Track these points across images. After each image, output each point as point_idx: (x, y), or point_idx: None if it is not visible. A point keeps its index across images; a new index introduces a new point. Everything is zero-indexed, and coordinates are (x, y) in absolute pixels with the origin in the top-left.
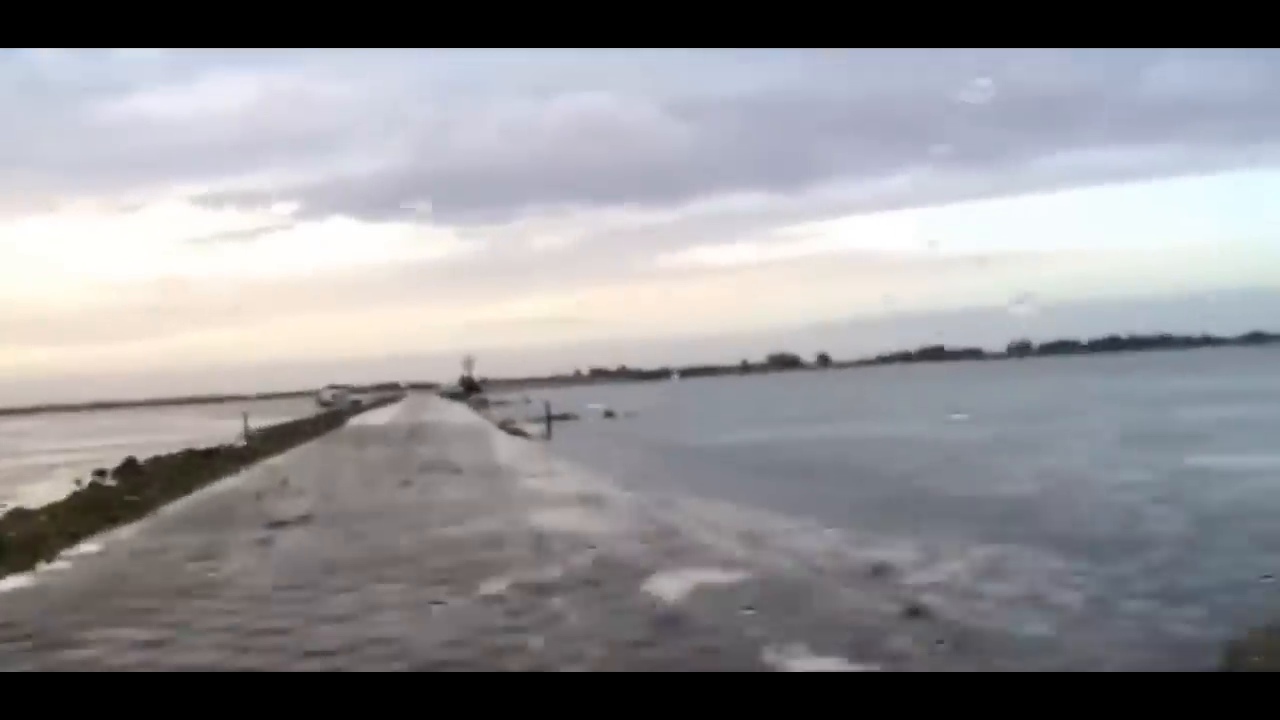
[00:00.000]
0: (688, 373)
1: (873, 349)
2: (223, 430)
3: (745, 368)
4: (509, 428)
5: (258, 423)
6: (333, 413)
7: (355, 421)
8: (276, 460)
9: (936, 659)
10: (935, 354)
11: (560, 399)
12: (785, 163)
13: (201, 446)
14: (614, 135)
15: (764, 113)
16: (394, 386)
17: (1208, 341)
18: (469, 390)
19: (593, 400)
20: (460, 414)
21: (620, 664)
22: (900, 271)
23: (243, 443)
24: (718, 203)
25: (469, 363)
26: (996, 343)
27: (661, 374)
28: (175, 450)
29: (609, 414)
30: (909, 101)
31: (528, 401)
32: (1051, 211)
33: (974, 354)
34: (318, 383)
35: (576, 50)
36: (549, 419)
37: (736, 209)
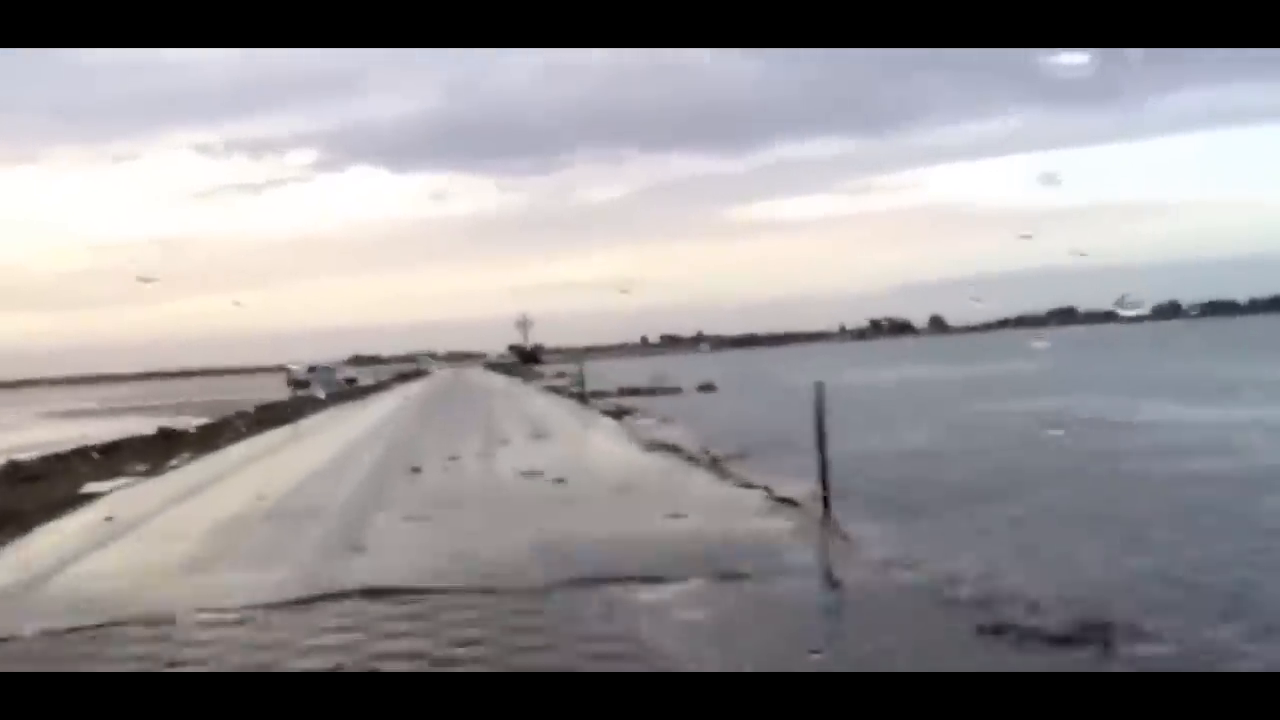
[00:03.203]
0: (778, 339)
1: (986, 311)
2: None
3: (858, 334)
4: None
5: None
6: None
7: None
8: None
9: None
10: (1067, 316)
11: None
12: (869, 103)
13: None
14: (671, 72)
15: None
16: (428, 356)
17: None
18: (525, 360)
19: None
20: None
21: None
22: (1009, 225)
23: None
24: (792, 149)
25: (524, 325)
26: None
27: (747, 340)
28: None
29: None
30: None
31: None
32: (1184, 156)
33: (1113, 316)
34: (341, 353)
35: None
36: None
37: (814, 156)
